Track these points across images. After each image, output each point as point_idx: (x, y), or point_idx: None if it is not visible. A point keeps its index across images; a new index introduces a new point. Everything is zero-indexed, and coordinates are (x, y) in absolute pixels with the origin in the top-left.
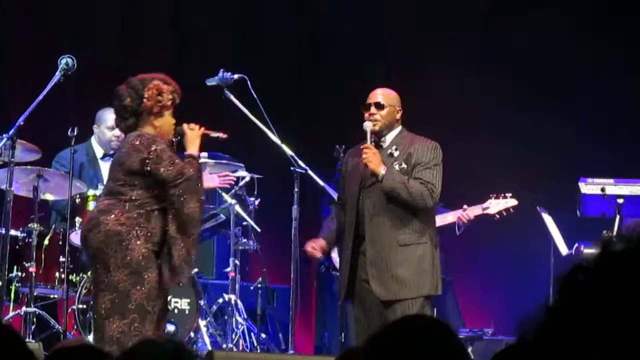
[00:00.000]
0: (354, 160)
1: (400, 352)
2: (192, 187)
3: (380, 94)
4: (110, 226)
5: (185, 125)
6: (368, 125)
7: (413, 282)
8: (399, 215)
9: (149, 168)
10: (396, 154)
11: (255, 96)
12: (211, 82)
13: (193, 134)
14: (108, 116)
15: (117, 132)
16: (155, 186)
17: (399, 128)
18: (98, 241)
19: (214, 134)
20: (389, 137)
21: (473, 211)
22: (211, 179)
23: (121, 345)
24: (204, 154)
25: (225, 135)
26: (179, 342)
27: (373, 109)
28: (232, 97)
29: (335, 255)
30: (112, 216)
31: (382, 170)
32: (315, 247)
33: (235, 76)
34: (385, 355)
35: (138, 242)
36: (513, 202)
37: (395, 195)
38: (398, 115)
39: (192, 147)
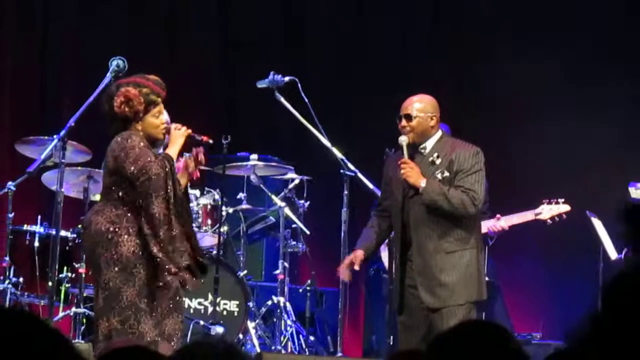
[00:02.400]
0: (395, 170)
1: (461, 357)
2: (157, 186)
3: (409, 105)
4: (100, 225)
5: (172, 125)
6: (403, 139)
7: (460, 288)
8: (443, 223)
9: (118, 165)
10: (438, 161)
11: (306, 98)
12: (262, 84)
13: (177, 134)
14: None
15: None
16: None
17: (439, 134)
18: (90, 241)
19: (199, 137)
20: (429, 144)
21: (524, 217)
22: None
23: None
24: (254, 155)
25: (210, 141)
26: (231, 343)
27: (403, 122)
28: (282, 100)
29: (385, 258)
30: (102, 216)
31: (422, 184)
32: (354, 260)
33: (286, 78)
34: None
35: (127, 238)
36: (566, 207)
37: (437, 207)
38: (432, 122)
39: (172, 147)
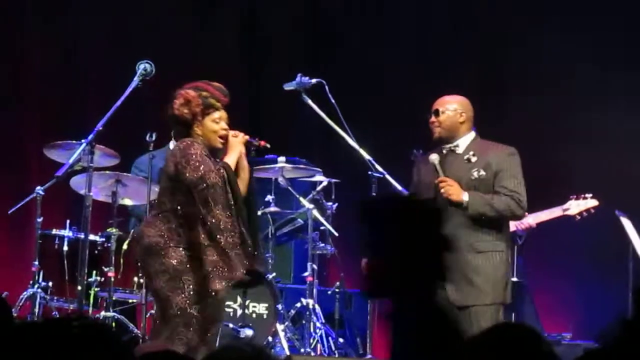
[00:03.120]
0: (424, 173)
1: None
2: (216, 195)
3: (439, 102)
4: (151, 239)
5: (230, 132)
6: (433, 158)
7: (488, 288)
8: (475, 223)
9: (178, 171)
10: (474, 159)
11: (333, 100)
12: (289, 86)
13: (234, 141)
14: None
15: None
16: (191, 192)
17: (472, 134)
18: (141, 253)
19: (256, 142)
20: (462, 142)
21: (551, 214)
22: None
23: None
24: (282, 158)
25: (268, 145)
26: (260, 346)
27: (432, 117)
28: (309, 102)
29: None
30: (155, 229)
31: (465, 198)
32: None
33: (313, 80)
34: None
35: (175, 250)
36: (594, 202)
37: (484, 217)
38: (461, 118)
39: (231, 155)
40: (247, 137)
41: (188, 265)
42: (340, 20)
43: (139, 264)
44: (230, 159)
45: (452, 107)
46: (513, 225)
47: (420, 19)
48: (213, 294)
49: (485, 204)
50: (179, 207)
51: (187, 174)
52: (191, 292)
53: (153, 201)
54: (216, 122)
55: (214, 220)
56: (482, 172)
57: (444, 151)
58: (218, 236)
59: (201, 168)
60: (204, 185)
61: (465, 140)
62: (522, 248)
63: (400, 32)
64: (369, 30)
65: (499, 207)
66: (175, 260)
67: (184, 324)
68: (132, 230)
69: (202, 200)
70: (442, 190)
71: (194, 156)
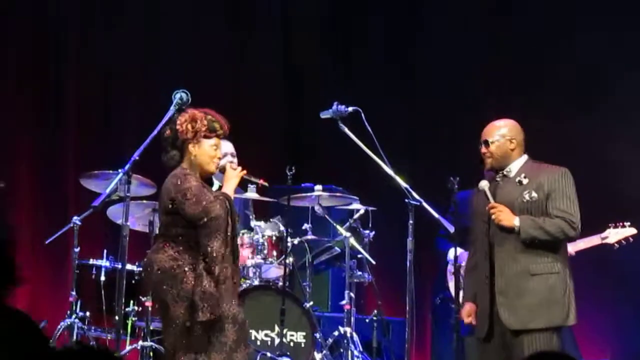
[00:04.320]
0: (477, 203)
1: None
2: (218, 226)
3: (487, 131)
4: (163, 263)
5: (228, 165)
6: (483, 184)
7: (543, 311)
8: (529, 246)
9: (176, 207)
10: (525, 181)
11: (369, 128)
12: (325, 115)
13: (232, 173)
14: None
15: (229, 158)
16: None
17: (524, 157)
18: (154, 280)
19: (255, 179)
20: (514, 167)
21: (590, 242)
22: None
23: None
24: (319, 186)
25: (266, 184)
26: None
27: (483, 148)
28: (346, 130)
29: (452, 287)
30: (164, 254)
31: (516, 223)
32: (470, 315)
33: (350, 109)
34: None
35: (190, 274)
36: (632, 230)
37: (536, 242)
38: (512, 145)
39: (227, 186)
40: (244, 171)
41: (201, 289)
42: (376, 49)
43: (151, 291)
44: (229, 190)
45: (501, 134)
46: None
47: (455, 47)
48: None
49: (537, 227)
50: (184, 233)
51: (187, 209)
52: (209, 321)
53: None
54: (213, 148)
55: (211, 251)
56: (534, 194)
57: (497, 178)
58: (214, 267)
59: (202, 201)
60: (207, 218)
61: (517, 164)
62: None
63: (434, 60)
64: (404, 58)
65: (550, 230)
66: (192, 285)
67: (205, 351)
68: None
69: (205, 232)
70: (492, 217)
71: (190, 190)
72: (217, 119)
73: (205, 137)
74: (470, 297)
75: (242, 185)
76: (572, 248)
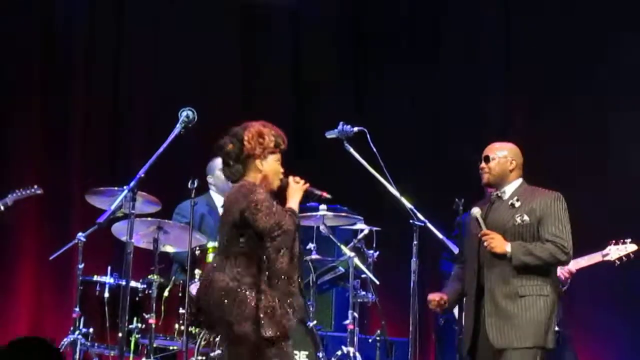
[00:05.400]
0: (472, 223)
1: None
2: (288, 241)
3: (489, 148)
4: (224, 282)
5: (290, 178)
6: (475, 212)
7: (529, 331)
8: (520, 270)
9: (247, 218)
10: (517, 204)
11: (374, 149)
12: (331, 134)
13: (296, 187)
14: (219, 160)
15: (217, 173)
16: (257, 236)
17: (519, 181)
18: (214, 299)
19: (317, 192)
20: (509, 189)
21: (591, 259)
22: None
23: None
24: (323, 206)
25: (329, 196)
26: None
27: (482, 163)
28: (351, 150)
29: (456, 309)
30: (224, 274)
31: (508, 249)
32: (436, 297)
33: (355, 129)
34: None
35: (254, 292)
36: (633, 247)
37: (523, 267)
38: (511, 166)
39: (293, 201)
40: (307, 185)
41: (264, 306)
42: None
43: (211, 310)
44: (294, 204)
45: (503, 154)
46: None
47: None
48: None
49: (528, 253)
50: (245, 249)
51: (259, 222)
52: (275, 337)
53: (195, 248)
54: (278, 162)
55: (281, 267)
56: (526, 218)
57: (492, 198)
58: (278, 282)
59: (274, 214)
60: (280, 231)
61: (512, 187)
62: (563, 297)
63: (439, 78)
64: (411, 76)
65: (541, 255)
66: (257, 304)
67: None
68: (174, 277)
69: (276, 246)
70: (485, 244)
71: (263, 202)
72: (279, 134)
73: (272, 152)
74: (445, 291)
75: None
76: (574, 266)
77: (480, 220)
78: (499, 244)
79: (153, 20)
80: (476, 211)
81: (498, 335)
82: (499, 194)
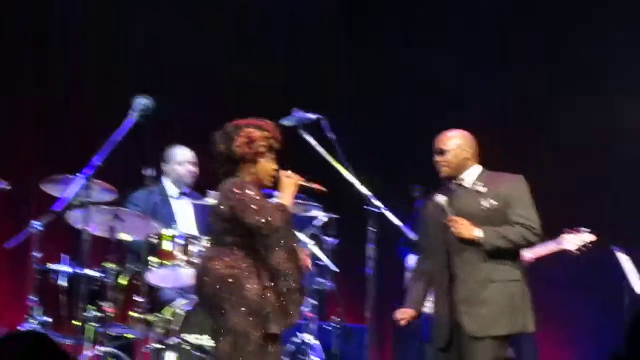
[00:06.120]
0: (433, 214)
1: None
2: (280, 238)
3: (442, 140)
4: (220, 271)
5: (282, 173)
6: (440, 200)
7: (505, 318)
8: (489, 255)
9: (237, 215)
10: (483, 190)
11: (331, 136)
12: (287, 122)
13: (289, 182)
14: (177, 152)
15: (189, 167)
16: (250, 231)
17: (478, 167)
18: (211, 287)
19: (312, 186)
20: (467, 176)
21: (547, 248)
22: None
23: None
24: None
25: (323, 189)
26: None
27: (438, 157)
28: (307, 138)
29: None
30: (221, 262)
31: (478, 234)
32: (405, 318)
33: (312, 116)
34: None
35: (251, 282)
36: (591, 237)
37: (501, 251)
38: (467, 154)
39: (285, 196)
40: (301, 179)
41: (266, 300)
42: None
43: (207, 299)
44: (287, 200)
45: (456, 144)
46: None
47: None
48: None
49: (500, 237)
50: (241, 240)
51: (249, 219)
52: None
53: (150, 236)
54: (271, 162)
55: (275, 265)
56: (494, 202)
57: (453, 187)
58: (277, 281)
59: (265, 211)
60: (271, 229)
61: (471, 173)
62: None
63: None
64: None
65: (513, 239)
66: (254, 294)
67: (261, 358)
68: (131, 266)
69: (265, 244)
70: (452, 230)
71: (253, 199)
72: (273, 135)
73: (263, 156)
74: (411, 303)
75: (204, 193)
76: (533, 255)
77: (447, 208)
78: (467, 230)
79: (113, 4)
80: (441, 199)
81: (472, 322)
82: (459, 183)
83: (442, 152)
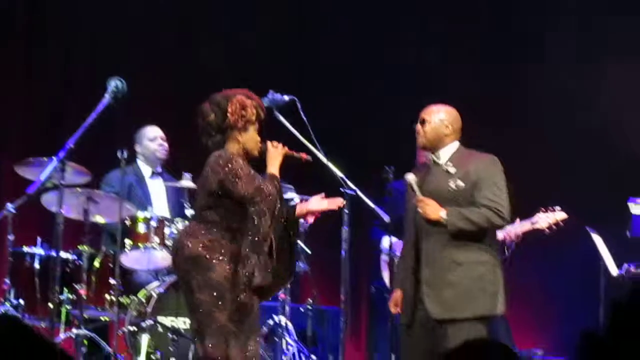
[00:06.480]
0: (408, 191)
1: None
2: (271, 206)
3: (426, 110)
4: (192, 249)
5: (268, 143)
6: (409, 177)
7: (469, 301)
8: (457, 237)
9: (226, 187)
10: (452, 170)
11: (305, 118)
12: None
13: (275, 152)
14: (147, 129)
15: (159, 141)
16: (237, 205)
17: (455, 145)
18: (182, 264)
19: (297, 155)
20: (444, 154)
21: (522, 227)
22: (319, 202)
23: None
24: None
25: (309, 158)
26: None
27: (418, 126)
28: (281, 119)
29: (386, 277)
30: (196, 239)
31: (442, 215)
32: (398, 305)
33: (286, 97)
34: None
35: (220, 263)
36: (562, 215)
37: (461, 233)
38: (447, 131)
39: (273, 166)
40: (286, 148)
41: (230, 280)
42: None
43: (179, 275)
44: (274, 169)
45: (439, 118)
46: (501, 234)
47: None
48: (249, 305)
49: (463, 218)
50: (220, 220)
51: (240, 189)
52: (232, 308)
53: (125, 218)
54: (257, 132)
55: (264, 231)
56: (460, 183)
57: (429, 163)
58: (264, 246)
59: (255, 181)
60: (261, 197)
61: (447, 151)
62: (510, 260)
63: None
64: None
65: (477, 221)
66: (220, 276)
67: (225, 339)
68: (104, 248)
69: (257, 212)
70: (419, 210)
71: (240, 170)
72: (260, 104)
73: (253, 123)
74: (399, 284)
75: (177, 174)
76: (505, 233)
77: (415, 187)
78: (433, 210)
79: None
80: (410, 177)
81: (436, 305)
82: (435, 159)
83: (423, 122)
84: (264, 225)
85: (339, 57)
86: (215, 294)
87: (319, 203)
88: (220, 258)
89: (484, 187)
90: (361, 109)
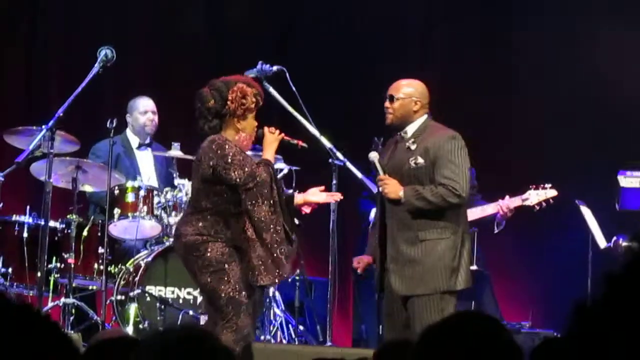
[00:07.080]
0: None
1: (452, 350)
2: (263, 191)
3: (394, 86)
4: (189, 237)
5: (265, 129)
6: (372, 156)
7: (430, 278)
8: (418, 214)
9: (219, 173)
10: (413, 147)
11: (294, 88)
12: (250, 73)
13: (271, 137)
14: (139, 102)
15: (150, 115)
16: (230, 191)
17: (422, 119)
18: (182, 251)
19: (293, 142)
20: (411, 129)
21: (513, 202)
22: (317, 194)
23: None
24: None
25: (305, 145)
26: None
27: (387, 103)
28: (270, 89)
29: None
30: (191, 227)
31: (401, 194)
32: (360, 264)
33: (274, 68)
34: (437, 352)
35: (214, 244)
36: (553, 192)
37: (422, 211)
38: (415, 107)
39: (268, 152)
40: (283, 134)
41: (229, 255)
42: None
43: (182, 260)
44: (270, 155)
45: (407, 93)
46: (495, 208)
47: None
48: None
49: (419, 197)
50: (213, 206)
51: (232, 174)
52: (237, 280)
53: (113, 187)
54: (255, 118)
55: (260, 217)
56: (420, 160)
57: (397, 139)
58: (264, 233)
59: (246, 166)
60: (253, 183)
61: (413, 127)
62: (480, 237)
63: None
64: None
65: (432, 199)
66: (217, 253)
67: (234, 312)
68: (93, 217)
69: (251, 197)
70: (380, 189)
71: (234, 156)
72: (259, 91)
73: (252, 111)
74: (371, 252)
75: (166, 144)
76: (493, 208)
77: (378, 165)
78: (394, 189)
79: None
80: (373, 155)
81: (400, 282)
82: (402, 135)
83: (391, 99)
84: (258, 212)
85: (328, 27)
86: (214, 270)
87: (317, 195)
88: (215, 241)
89: (441, 164)
90: (349, 79)
